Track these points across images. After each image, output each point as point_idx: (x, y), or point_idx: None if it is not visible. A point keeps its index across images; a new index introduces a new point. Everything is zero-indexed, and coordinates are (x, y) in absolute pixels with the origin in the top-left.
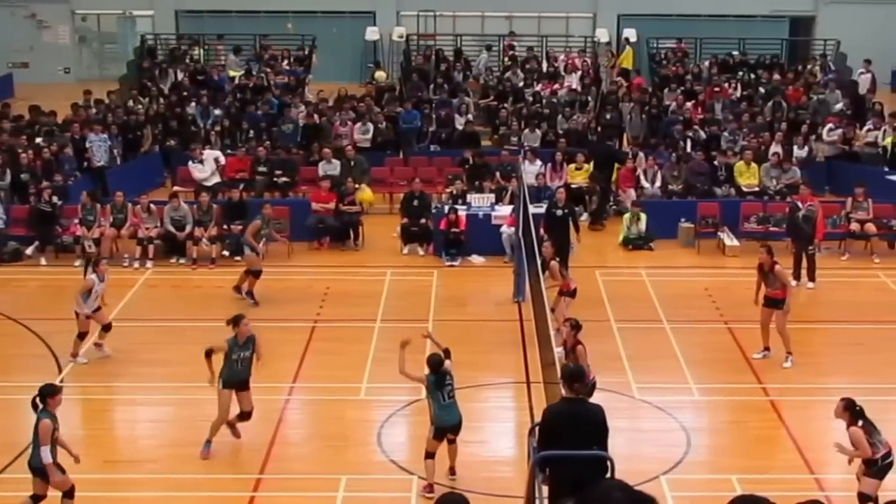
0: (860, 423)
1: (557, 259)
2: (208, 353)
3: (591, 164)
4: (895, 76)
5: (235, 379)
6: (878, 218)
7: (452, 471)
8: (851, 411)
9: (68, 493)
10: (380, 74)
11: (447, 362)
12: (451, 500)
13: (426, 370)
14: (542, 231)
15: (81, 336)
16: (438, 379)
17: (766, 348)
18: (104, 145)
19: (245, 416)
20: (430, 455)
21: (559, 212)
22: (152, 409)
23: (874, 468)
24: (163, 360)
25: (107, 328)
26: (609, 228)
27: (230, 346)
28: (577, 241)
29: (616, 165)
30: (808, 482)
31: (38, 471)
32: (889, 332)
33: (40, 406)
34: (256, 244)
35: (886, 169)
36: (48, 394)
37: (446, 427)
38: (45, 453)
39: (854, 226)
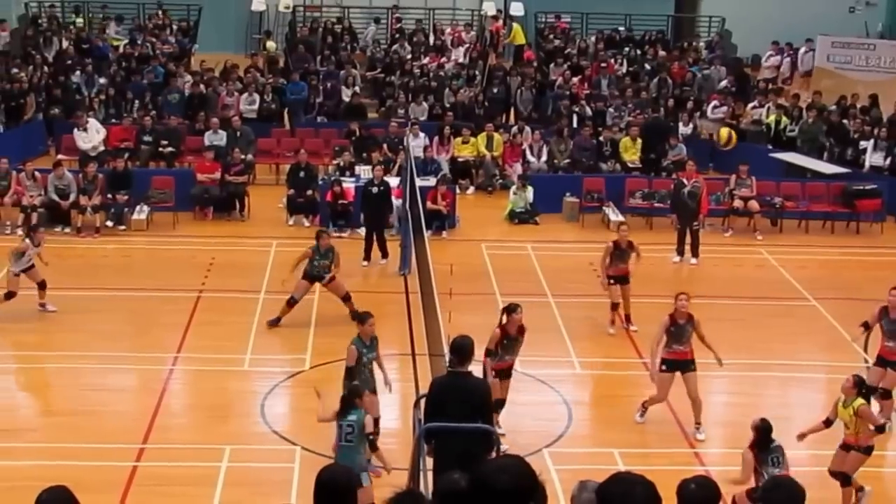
0: (756, 449)
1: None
2: None
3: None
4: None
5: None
6: (760, 195)
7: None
8: (757, 431)
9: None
10: (270, 45)
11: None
12: (334, 472)
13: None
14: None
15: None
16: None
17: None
18: None
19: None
20: None
21: (375, 189)
22: (33, 377)
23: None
24: (45, 329)
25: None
26: (495, 202)
27: (357, 348)
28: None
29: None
30: (687, 456)
31: None
32: (770, 309)
33: None
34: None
35: (770, 147)
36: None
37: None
38: None
39: (737, 203)
